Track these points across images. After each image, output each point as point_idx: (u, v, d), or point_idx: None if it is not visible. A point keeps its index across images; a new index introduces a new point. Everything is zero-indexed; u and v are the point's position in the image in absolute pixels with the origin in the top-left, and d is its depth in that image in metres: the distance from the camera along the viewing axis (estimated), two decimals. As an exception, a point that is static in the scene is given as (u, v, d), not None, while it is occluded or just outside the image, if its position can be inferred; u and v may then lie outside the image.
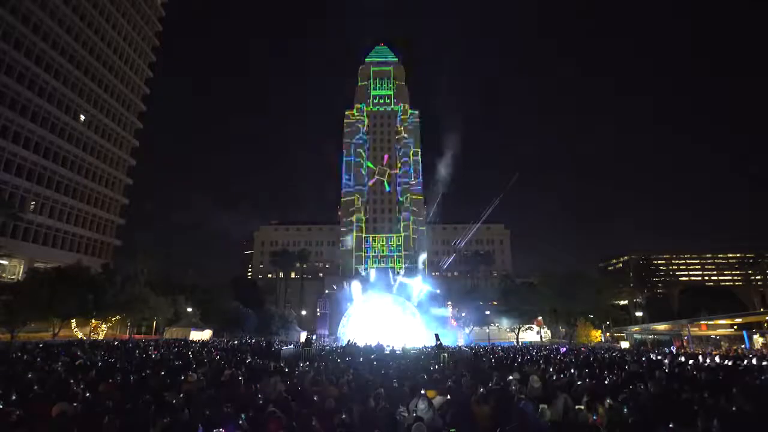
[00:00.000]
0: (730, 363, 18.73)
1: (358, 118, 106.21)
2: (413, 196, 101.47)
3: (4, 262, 50.90)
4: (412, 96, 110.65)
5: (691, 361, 19.79)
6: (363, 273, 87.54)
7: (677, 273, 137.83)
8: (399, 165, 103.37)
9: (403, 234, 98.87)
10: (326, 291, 77.23)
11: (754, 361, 20.00)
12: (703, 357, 23.80)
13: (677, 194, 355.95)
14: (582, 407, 7.96)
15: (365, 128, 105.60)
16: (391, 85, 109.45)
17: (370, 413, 8.08)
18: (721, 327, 49.18)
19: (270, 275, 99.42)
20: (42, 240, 55.61)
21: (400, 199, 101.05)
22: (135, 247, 58.24)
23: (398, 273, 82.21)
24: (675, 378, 13.00)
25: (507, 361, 20.89)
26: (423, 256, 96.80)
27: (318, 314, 65.24)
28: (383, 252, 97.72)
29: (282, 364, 17.94)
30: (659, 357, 24.40)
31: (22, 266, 51.70)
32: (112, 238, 68.94)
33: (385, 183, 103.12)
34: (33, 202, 54.56)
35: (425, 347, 31.88)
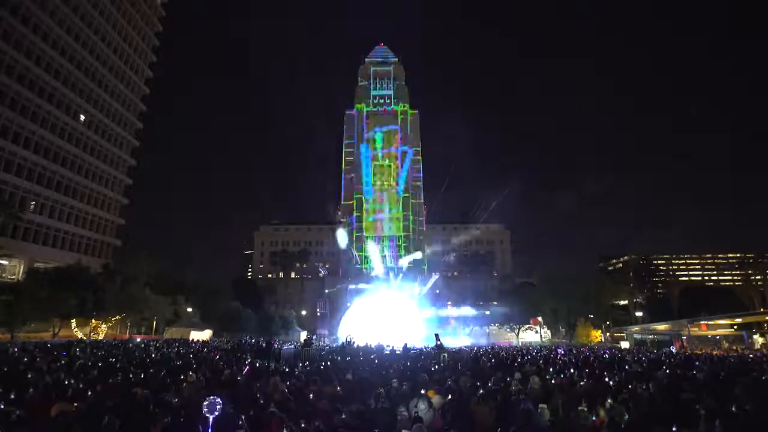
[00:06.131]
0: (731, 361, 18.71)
1: (358, 118, 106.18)
2: (413, 198, 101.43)
3: (4, 262, 50.88)
4: (411, 95, 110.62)
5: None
6: (363, 272, 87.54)
7: (677, 273, 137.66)
8: (399, 165, 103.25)
9: (403, 234, 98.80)
10: (326, 291, 77.28)
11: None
12: (703, 357, 23.80)
13: (677, 194, 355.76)
14: (582, 407, 7.96)
15: (365, 128, 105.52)
16: (391, 85, 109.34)
17: (370, 413, 8.07)
18: (721, 327, 49.31)
19: (270, 275, 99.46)
20: (42, 240, 55.54)
21: (401, 198, 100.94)
22: (135, 247, 58.40)
23: (398, 273, 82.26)
24: (675, 378, 13.00)
25: (507, 361, 20.86)
26: (423, 256, 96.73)
27: (318, 314, 65.43)
28: (383, 252, 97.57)
29: (282, 364, 17.93)
30: (661, 357, 24.39)
31: (22, 266, 51.64)
32: (112, 238, 68.94)
33: (385, 183, 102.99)
34: (33, 202, 54.50)
35: (425, 347, 31.91)
